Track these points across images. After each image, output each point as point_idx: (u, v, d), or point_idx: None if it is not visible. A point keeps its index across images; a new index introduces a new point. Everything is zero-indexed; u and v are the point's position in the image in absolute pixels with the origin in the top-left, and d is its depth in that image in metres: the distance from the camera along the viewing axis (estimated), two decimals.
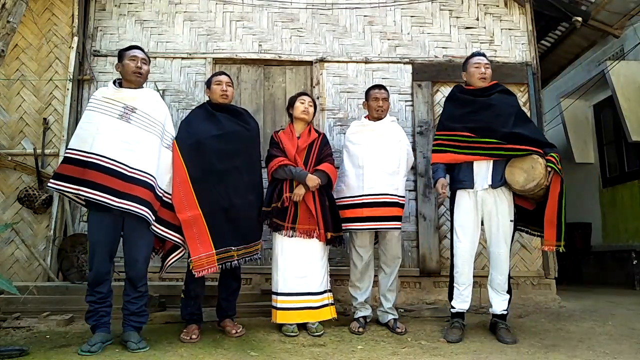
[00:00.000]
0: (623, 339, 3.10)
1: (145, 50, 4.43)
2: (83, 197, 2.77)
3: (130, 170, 2.75)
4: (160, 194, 2.91)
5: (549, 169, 3.00)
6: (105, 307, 2.81)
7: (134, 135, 2.82)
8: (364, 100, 3.64)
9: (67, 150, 2.82)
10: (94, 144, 2.74)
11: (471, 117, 3.20)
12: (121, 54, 3.01)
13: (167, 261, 3.09)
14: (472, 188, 3.15)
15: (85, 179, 2.70)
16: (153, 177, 2.84)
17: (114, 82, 2.98)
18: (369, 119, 3.56)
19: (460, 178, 3.20)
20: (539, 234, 3.29)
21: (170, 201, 2.97)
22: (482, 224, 3.20)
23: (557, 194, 3.01)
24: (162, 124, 2.98)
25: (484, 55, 3.40)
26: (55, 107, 4.43)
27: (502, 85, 3.41)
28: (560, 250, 3.02)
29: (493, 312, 3.20)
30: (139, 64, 2.94)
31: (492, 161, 3.13)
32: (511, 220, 3.15)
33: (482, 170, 3.14)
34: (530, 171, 3.01)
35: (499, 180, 3.11)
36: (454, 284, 3.21)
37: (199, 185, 3.01)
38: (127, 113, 2.85)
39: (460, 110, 3.25)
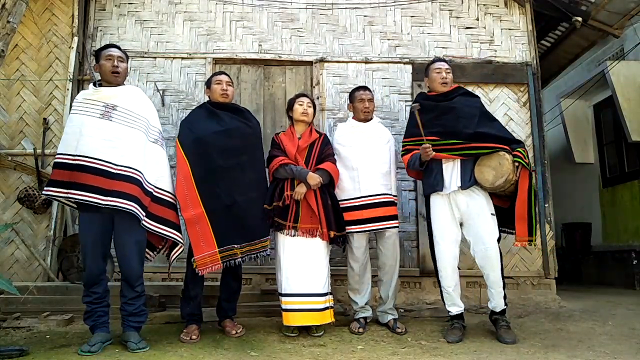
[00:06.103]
0: (623, 339, 3.10)
1: (146, 50, 4.56)
2: (72, 200, 2.77)
3: (115, 168, 2.75)
4: (150, 189, 2.90)
5: (517, 163, 3.03)
6: (103, 307, 2.81)
7: (116, 132, 2.81)
8: (349, 102, 3.65)
9: (56, 156, 2.82)
10: (78, 146, 2.74)
11: (435, 122, 3.24)
12: (97, 54, 2.99)
13: (170, 258, 3.09)
14: (443, 190, 3.19)
15: (73, 181, 2.70)
16: (139, 172, 2.82)
17: (94, 83, 2.97)
18: (357, 121, 3.57)
19: (432, 182, 3.23)
20: (509, 231, 3.30)
21: (162, 196, 2.96)
22: (462, 226, 3.20)
23: (526, 188, 3.04)
24: (147, 119, 2.97)
25: (444, 60, 3.46)
26: (55, 107, 4.43)
27: (463, 88, 3.49)
28: (533, 245, 3.00)
29: (493, 309, 3.20)
30: (115, 63, 2.92)
31: (459, 162, 3.17)
32: (492, 214, 3.15)
33: (451, 172, 3.18)
34: (498, 168, 3.03)
35: (468, 181, 3.13)
36: (442, 287, 3.24)
37: (202, 182, 3.02)
38: (108, 111, 2.84)
39: (425, 117, 3.26)
